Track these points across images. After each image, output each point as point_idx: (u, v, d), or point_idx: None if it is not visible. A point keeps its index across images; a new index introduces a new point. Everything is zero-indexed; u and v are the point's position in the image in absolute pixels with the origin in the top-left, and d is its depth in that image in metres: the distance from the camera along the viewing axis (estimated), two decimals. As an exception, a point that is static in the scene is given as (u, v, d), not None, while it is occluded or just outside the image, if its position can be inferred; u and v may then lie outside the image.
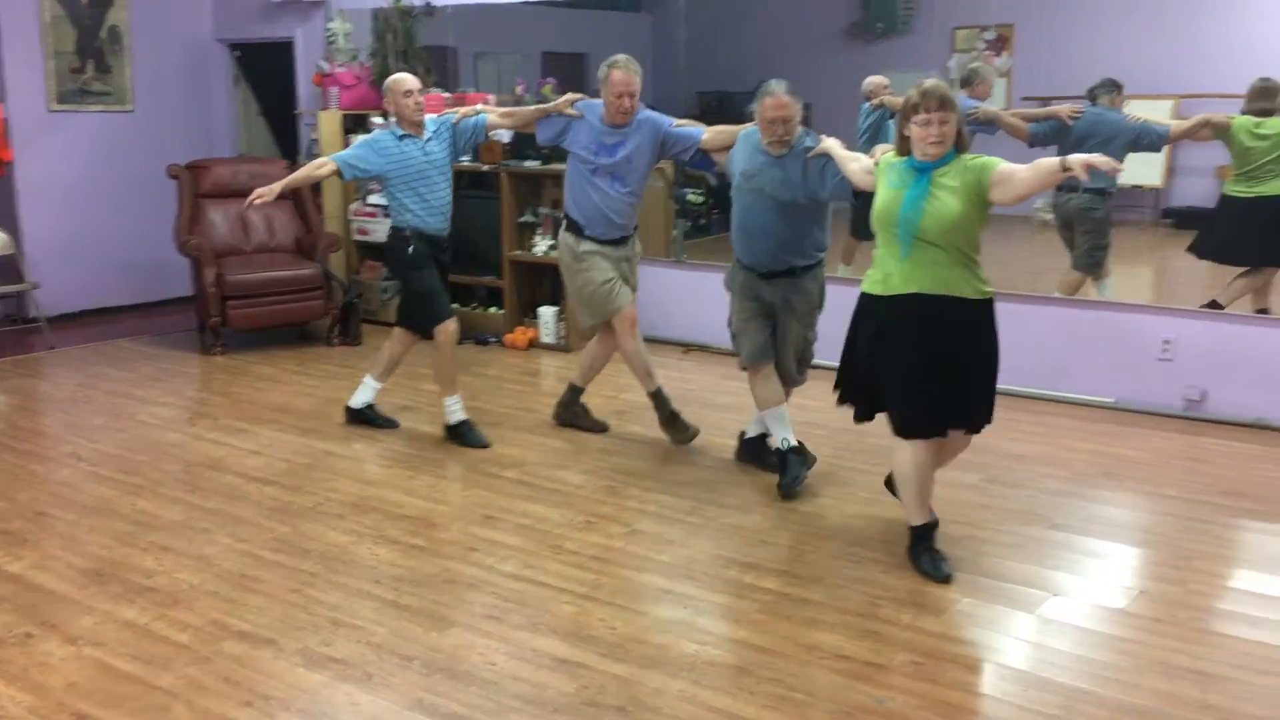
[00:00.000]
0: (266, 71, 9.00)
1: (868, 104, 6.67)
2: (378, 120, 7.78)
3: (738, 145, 4.58)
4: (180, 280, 8.33)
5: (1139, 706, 3.00)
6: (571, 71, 9.58)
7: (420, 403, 5.86)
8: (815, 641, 3.34)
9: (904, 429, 3.74)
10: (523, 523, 4.27)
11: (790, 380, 4.63)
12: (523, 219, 7.22)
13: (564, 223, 5.13)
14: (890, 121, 6.69)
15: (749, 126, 4.49)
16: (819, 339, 4.67)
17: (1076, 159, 3.34)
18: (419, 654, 3.27)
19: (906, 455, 3.75)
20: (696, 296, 6.92)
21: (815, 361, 4.70)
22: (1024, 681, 3.14)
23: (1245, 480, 4.70)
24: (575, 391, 5.39)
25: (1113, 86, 5.99)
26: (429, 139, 5.06)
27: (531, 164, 7.05)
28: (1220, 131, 5.62)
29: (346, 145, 7.81)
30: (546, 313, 7.08)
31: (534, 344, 7.06)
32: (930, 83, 3.60)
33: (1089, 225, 6.10)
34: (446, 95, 7.60)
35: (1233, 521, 4.30)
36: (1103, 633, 3.42)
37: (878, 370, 3.77)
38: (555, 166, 6.58)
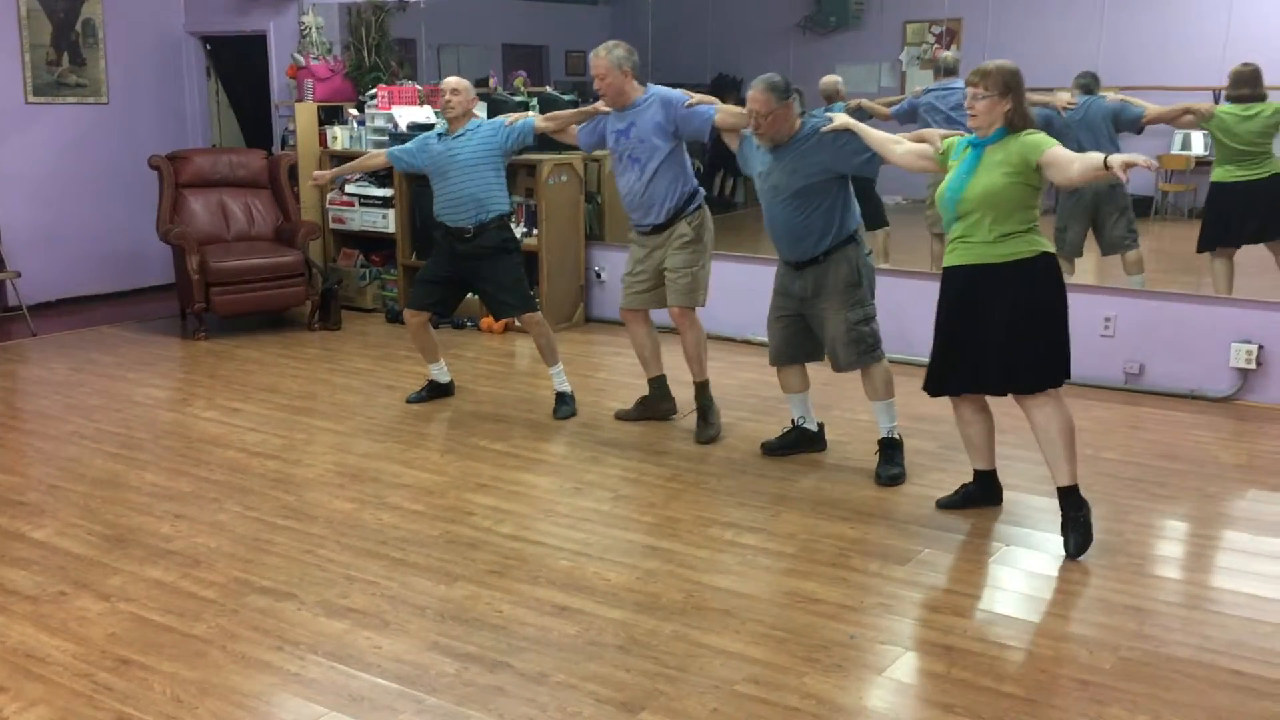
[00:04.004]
0: (236, 64, 9.17)
1: (841, 105, 6.88)
2: (353, 112, 8.04)
3: (746, 146, 4.71)
4: (156, 268, 8.55)
5: (1084, 636, 3.36)
6: (531, 63, 9.86)
7: (404, 384, 6.12)
8: (792, 588, 3.68)
9: (927, 385, 4.12)
10: (514, 490, 4.56)
11: (840, 368, 4.62)
12: (496, 207, 7.47)
13: None
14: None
15: None
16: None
17: (1117, 159, 3.46)
18: (430, 604, 3.56)
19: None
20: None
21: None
22: (980, 617, 3.50)
23: (1177, 444, 5.11)
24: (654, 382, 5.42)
25: (1088, 76, 6.32)
26: (459, 136, 5.37)
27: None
28: (1204, 119, 5.85)
29: (322, 137, 8.07)
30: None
31: (509, 328, 7.33)
32: (992, 62, 3.77)
33: (1121, 201, 6.31)
34: (419, 87, 7.85)
35: (1165, 480, 4.69)
36: (1050, 576, 3.79)
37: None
38: (524, 158, 6.82)
